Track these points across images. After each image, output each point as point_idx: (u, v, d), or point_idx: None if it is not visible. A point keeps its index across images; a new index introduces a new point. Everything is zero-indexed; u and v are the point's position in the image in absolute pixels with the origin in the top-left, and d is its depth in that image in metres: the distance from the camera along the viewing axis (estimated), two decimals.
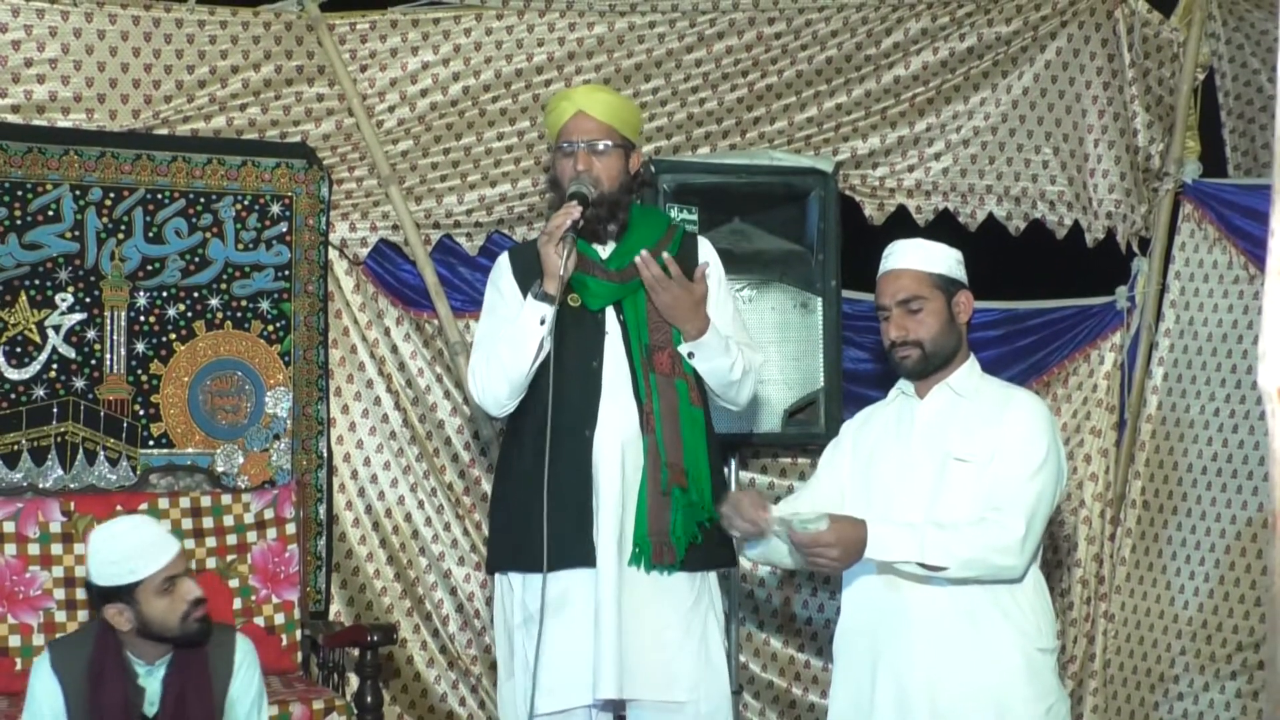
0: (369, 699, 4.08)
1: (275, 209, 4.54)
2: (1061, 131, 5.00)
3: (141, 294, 4.42)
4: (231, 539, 4.27)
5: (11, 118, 4.30)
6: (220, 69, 4.48)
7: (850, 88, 4.89)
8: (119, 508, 4.14)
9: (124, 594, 3.19)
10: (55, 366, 4.34)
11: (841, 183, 4.64)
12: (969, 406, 3.15)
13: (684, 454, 3.34)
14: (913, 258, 3.19)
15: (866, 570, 3.08)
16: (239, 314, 4.51)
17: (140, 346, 4.42)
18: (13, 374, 4.31)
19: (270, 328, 4.54)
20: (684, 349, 3.38)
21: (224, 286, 4.50)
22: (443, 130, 4.67)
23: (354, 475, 4.68)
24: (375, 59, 4.62)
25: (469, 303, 4.64)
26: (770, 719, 4.96)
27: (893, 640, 3.07)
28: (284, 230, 4.55)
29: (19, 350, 4.31)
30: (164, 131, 4.43)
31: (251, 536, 4.29)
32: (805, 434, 4.34)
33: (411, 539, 4.71)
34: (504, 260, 3.54)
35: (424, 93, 4.65)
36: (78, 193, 4.36)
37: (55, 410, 4.34)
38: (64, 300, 4.35)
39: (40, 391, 4.32)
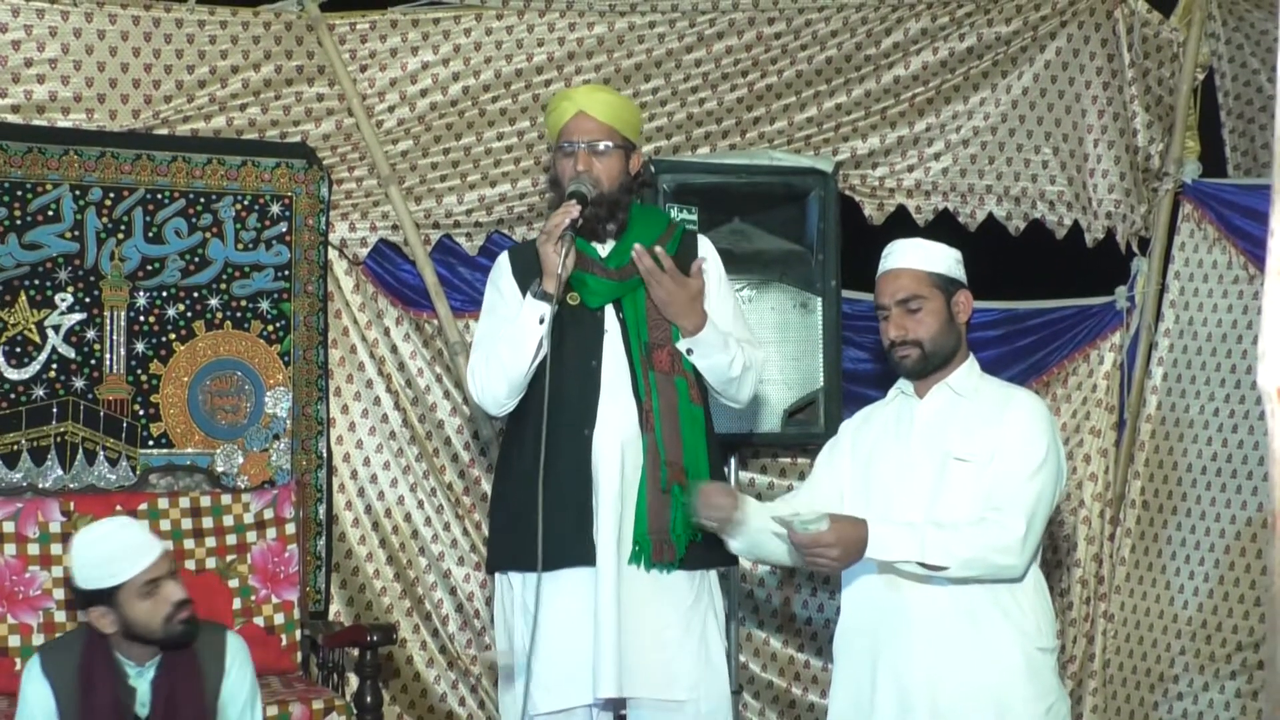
0: (369, 699, 4.08)
1: (275, 209, 4.54)
2: (1061, 131, 5.00)
3: (141, 294, 4.42)
4: (231, 539, 4.27)
5: (11, 118, 4.30)
6: (220, 69, 4.48)
7: (850, 88, 4.89)
8: (118, 508, 4.14)
9: (106, 597, 3.19)
10: (55, 366, 4.34)
11: (841, 183, 4.64)
12: (969, 406, 3.15)
13: (683, 452, 3.34)
14: (912, 257, 3.19)
15: (867, 570, 3.08)
16: (239, 314, 4.51)
17: (140, 346, 4.42)
18: (12, 374, 4.31)
19: (270, 328, 4.54)
20: (682, 345, 3.38)
21: (224, 286, 4.50)
22: (443, 130, 4.67)
23: (354, 475, 4.68)
24: (375, 59, 4.62)
25: (469, 303, 4.64)
26: (770, 719, 4.96)
27: (893, 640, 3.07)
28: (284, 230, 4.55)
29: (19, 350, 4.31)
30: (164, 131, 4.43)
31: (251, 536, 4.29)
32: (805, 434, 4.34)
33: (411, 539, 4.71)
34: (504, 260, 3.54)
35: (424, 93, 4.65)
36: (78, 193, 4.36)
37: (55, 410, 4.34)
38: (64, 300, 4.35)
39: (40, 391, 4.33)
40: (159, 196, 4.44)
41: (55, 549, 4.08)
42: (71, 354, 4.35)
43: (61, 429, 4.35)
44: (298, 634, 4.28)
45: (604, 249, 3.44)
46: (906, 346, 3.15)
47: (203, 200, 4.47)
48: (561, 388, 3.32)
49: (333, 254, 4.63)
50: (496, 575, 3.48)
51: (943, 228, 4.78)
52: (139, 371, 4.42)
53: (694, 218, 4.21)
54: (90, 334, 4.37)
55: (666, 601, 3.35)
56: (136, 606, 3.18)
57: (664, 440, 3.33)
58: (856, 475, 3.23)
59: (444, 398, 4.72)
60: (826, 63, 4.87)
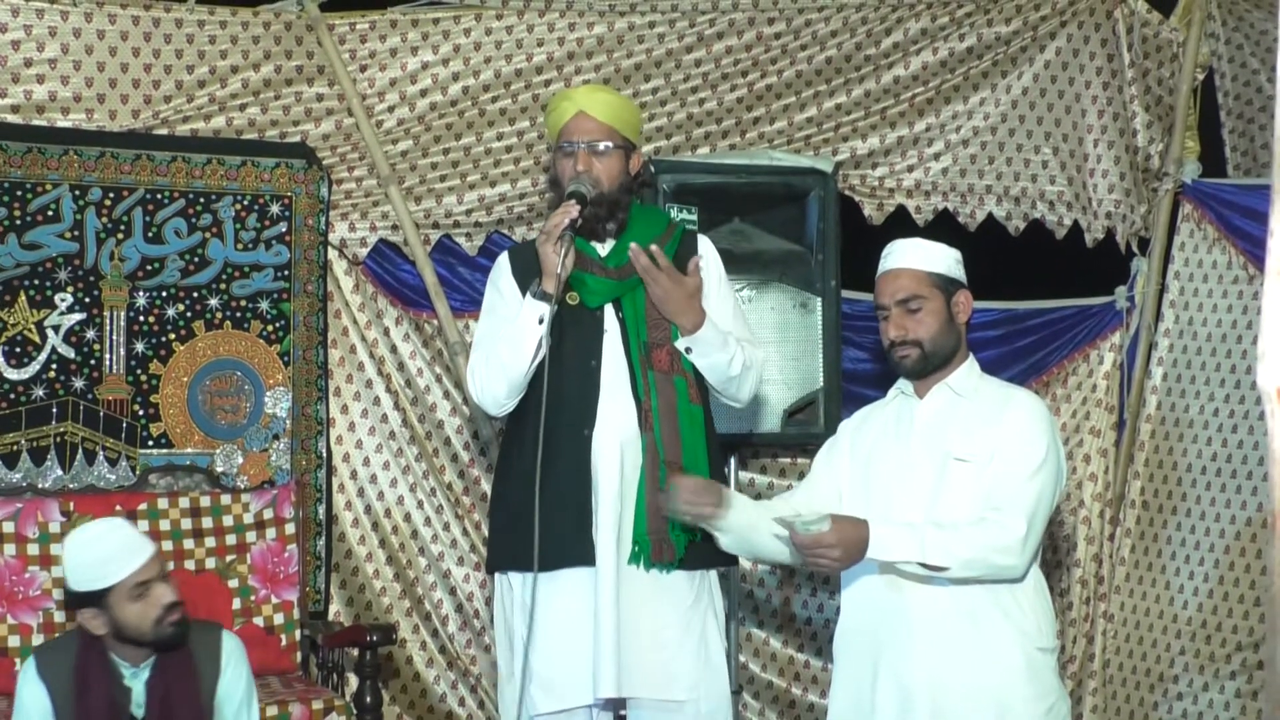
0: (368, 699, 4.08)
1: (275, 209, 4.54)
2: (1061, 131, 5.00)
3: (141, 294, 4.42)
4: (231, 539, 4.27)
5: (11, 118, 4.30)
6: (220, 69, 4.48)
7: (850, 88, 4.89)
8: (118, 508, 4.14)
9: (97, 599, 3.19)
10: (55, 366, 4.33)
11: (841, 183, 4.64)
12: (968, 406, 3.14)
13: (682, 451, 3.33)
14: (912, 257, 3.19)
15: (867, 570, 3.08)
16: (238, 314, 4.51)
17: (139, 346, 4.42)
18: (12, 374, 4.30)
19: (270, 328, 4.54)
20: (681, 344, 3.37)
21: (223, 286, 4.50)
22: (442, 130, 4.67)
23: (353, 475, 4.68)
24: (375, 59, 4.62)
25: (468, 303, 4.64)
26: (770, 719, 4.96)
27: (894, 640, 3.07)
28: (283, 230, 4.55)
29: (18, 350, 4.31)
30: (164, 131, 4.43)
31: (251, 536, 4.29)
32: (805, 434, 4.34)
33: (411, 539, 4.71)
34: (504, 260, 3.54)
35: (424, 93, 4.65)
36: (77, 193, 4.36)
37: (54, 410, 4.34)
38: (63, 300, 4.35)
39: (40, 391, 4.32)
40: (159, 196, 4.44)
41: (55, 549, 4.08)
42: (71, 354, 4.35)
43: (61, 429, 4.34)
44: (297, 634, 4.28)
45: (603, 249, 3.44)
46: (906, 346, 3.15)
47: (202, 200, 4.47)
48: (561, 388, 3.32)
49: (332, 254, 4.63)
50: (496, 575, 3.48)
51: (943, 228, 4.78)
52: (139, 371, 4.42)
53: (694, 218, 4.20)
54: (90, 334, 4.37)
55: (666, 601, 3.35)
56: (127, 609, 3.18)
57: (663, 440, 3.32)
58: (856, 475, 3.22)
59: (444, 398, 4.72)
60: (826, 63, 4.87)
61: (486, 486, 4.57)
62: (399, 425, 4.70)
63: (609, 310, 3.41)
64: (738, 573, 4.64)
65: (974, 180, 4.97)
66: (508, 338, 3.34)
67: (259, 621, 4.21)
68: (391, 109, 4.63)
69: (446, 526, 4.71)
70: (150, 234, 4.43)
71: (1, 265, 4.29)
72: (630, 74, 4.75)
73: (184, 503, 4.25)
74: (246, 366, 4.52)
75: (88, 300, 4.37)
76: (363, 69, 4.61)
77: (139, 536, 3.32)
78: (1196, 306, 4.91)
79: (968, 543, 2.96)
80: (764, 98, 4.84)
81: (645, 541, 3.31)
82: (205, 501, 4.28)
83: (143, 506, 4.19)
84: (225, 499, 4.31)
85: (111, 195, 4.39)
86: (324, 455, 4.58)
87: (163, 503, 4.23)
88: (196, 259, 4.47)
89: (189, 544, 4.20)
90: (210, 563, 4.22)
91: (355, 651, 4.18)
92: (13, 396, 4.30)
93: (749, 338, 3.50)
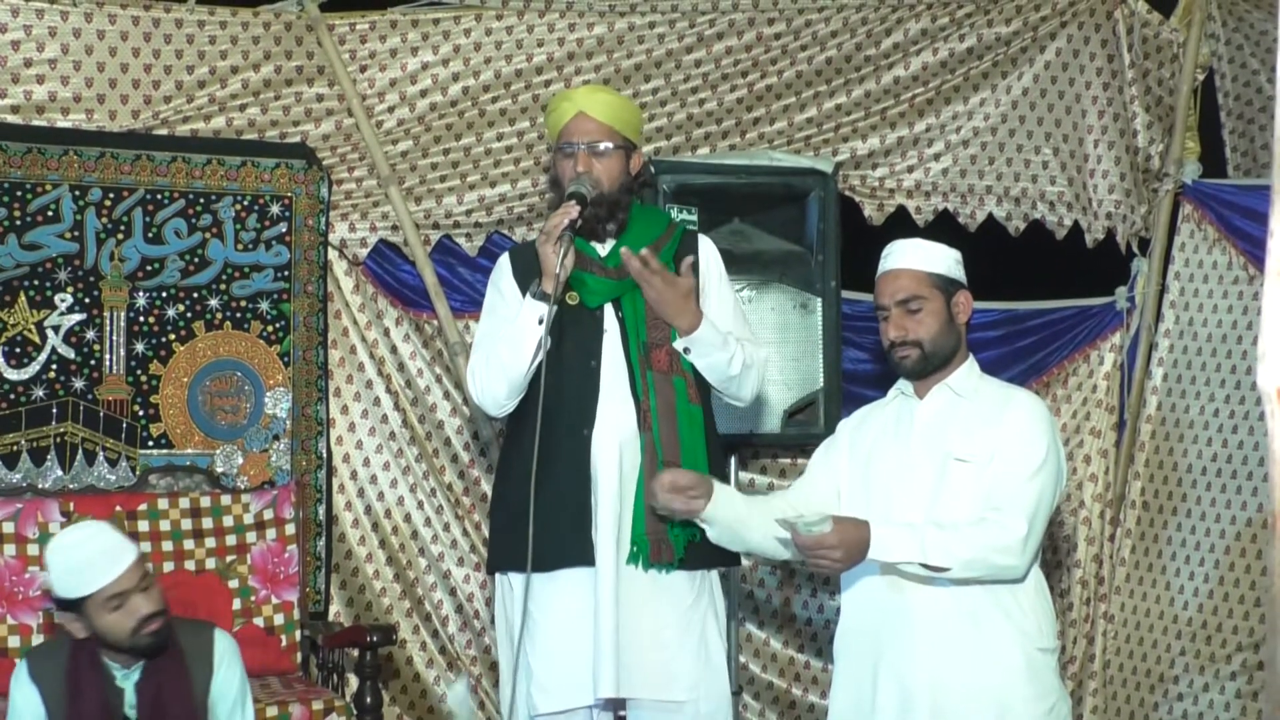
0: (368, 699, 4.08)
1: (275, 209, 4.54)
2: (1061, 132, 5.00)
3: (141, 294, 4.42)
4: (231, 539, 4.26)
5: (11, 118, 4.30)
6: (220, 69, 4.48)
7: (850, 88, 4.89)
8: (118, 508, 4.15)
9: (75, 605, 3.18)
10: (54, 367, 4.33)
11: (841, 183, 4.64)
12: (968, 407, 3.15)
13: (681, 451, 3.33)
14: (912, 258, 3.19)
15: (868, 571, 3.08)
16: (238, 314, 4.51)
17: (139, 347, 4.42)
18: (12, 374, 4.30)
19: (270, 328, 4.53)
20: (679, 345, 3.37)
21: (223, 287, 4.50)
22: (442, 131, 4.67)
23: (354, 476, 4.68)
24: (375, 59, 4.62)
25: (468, 303, 4.63)
26: (770, 719, 4.95)
27: (895, 641, 3.07)
28: (283, 231, 4.55)
29: (18, 350, 4.31)
30: (164, 132, 4.43)
31: (251, 537, 4.28)
32: (805, 434, 4.34)
33: (411, 539, 4.71)
34: (504, 261, 3.54)
35: (424, 93, 4.65)
36: (77, 193, 4.36)
37: (54, 411, 4.34)
38: (63, 300, 4.35)
39: (39, 392, 4.32)
40: (159, 197, 4.44)
41: None
42: (71, 354, 4.35)
43: (61, 429, 4.34)
44: (297, 634, 4.28)
45: (603, 249, 3.44)
46: (906, 347, 3.15)
47: (202, 200, 4.47)
48: (560, 388, 3.32)
49: (332, 254, 4.62)
50: (497, 576, 3.48)
51: (943, 228, 4.78)
52: (139, 372, 4.41)
53: (694, 218, 4.21)
54: (90, 334, 4.37)
55: (666, 602, 3.35)
56: (104, 618, 3.17)
57: (662, 440, 3.32)
58: (855, 475, 3.22)
59: (444, 398, 4.72)
60: (826, 63, 4.87)
61: (487, 487, 4.57)
62: (399, 426, 4.70)
63: (609, 310, 3.41)
64: (738, 573, 4.64)
65: (974, 181, 4.97)
66: (507, 338, 3.34)
67: (259, 622, 4.21)
68: (391, 109, 4.63)
69: (447, 527, 4.71)
70: (150, 234, 4.43)
71: (1, 265, 4.29)
72: (630, 74, 4.75)
73: (184, 503, 4.25)
74: (246, 367, 4.52)
75: (88, 301, 4.36)
76: (363, 69, 4.61)
77: (121, 544, 3.25)
78: (1197, 307, 4.91)
79: (968, 543, 2.96)
80: (764, 98, 4.84)
81: (644, 542, 3.31)
82: (205, 502, 4.28)
83: (143, 507, 4.19)
84: (225, 499, 4.31)
85: (111, 195, 4.39)
86: (324, 456, 4.58)
87: (163, 503, 4.23)
88: (196, 259, 4.47)
89: (189, 544, 4.20)
90: (210, 563, 4.22)
91: (355, 652, 4.18)
92: (13, 397, 4.30)
93: (750, 337, 3.50)
